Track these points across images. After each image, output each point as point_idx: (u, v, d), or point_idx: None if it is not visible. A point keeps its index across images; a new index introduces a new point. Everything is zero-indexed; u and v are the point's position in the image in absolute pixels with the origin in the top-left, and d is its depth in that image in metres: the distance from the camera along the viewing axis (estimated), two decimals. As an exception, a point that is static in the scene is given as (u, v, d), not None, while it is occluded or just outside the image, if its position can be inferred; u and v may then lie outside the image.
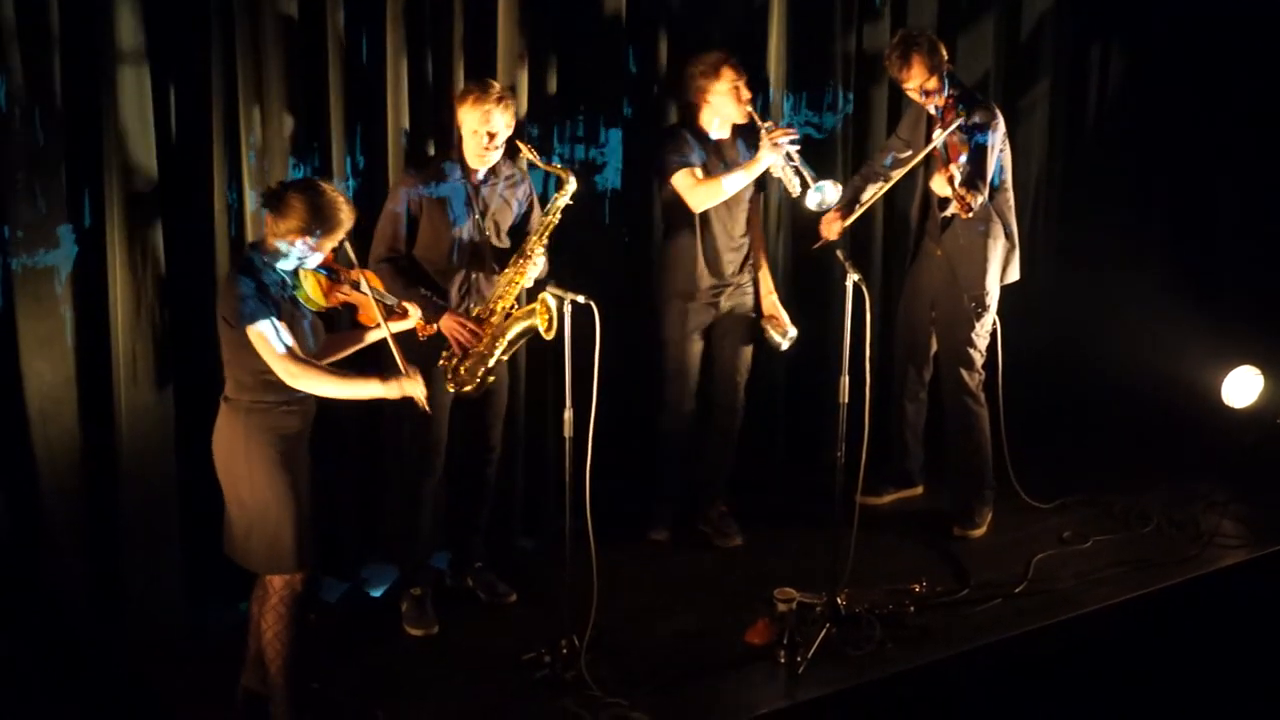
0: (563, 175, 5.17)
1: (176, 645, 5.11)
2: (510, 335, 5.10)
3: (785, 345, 5.75)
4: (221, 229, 5.01)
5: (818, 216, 5.75)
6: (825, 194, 5.48)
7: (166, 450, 5.06)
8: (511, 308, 5.13)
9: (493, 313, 5.12)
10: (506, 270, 5.13)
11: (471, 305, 5.15)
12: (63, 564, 4.98)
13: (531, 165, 5.22)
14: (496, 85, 5.04)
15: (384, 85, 5.22)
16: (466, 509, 5.47)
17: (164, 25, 4.83)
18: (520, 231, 5.24)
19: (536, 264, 5.12)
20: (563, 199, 5.14)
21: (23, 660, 4.90)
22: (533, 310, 5.00)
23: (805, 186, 5.47)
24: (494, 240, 5.18)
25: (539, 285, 5.05)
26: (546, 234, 5.13)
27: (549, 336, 4.97)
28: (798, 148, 5.44)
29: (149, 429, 5.00)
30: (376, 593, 5.51)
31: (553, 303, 4.88)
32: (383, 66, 5.21)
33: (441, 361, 5.09)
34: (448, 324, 5.03)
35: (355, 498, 5.51)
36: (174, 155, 4.93)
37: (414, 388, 4.52)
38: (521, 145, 5.15)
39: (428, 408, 4.60)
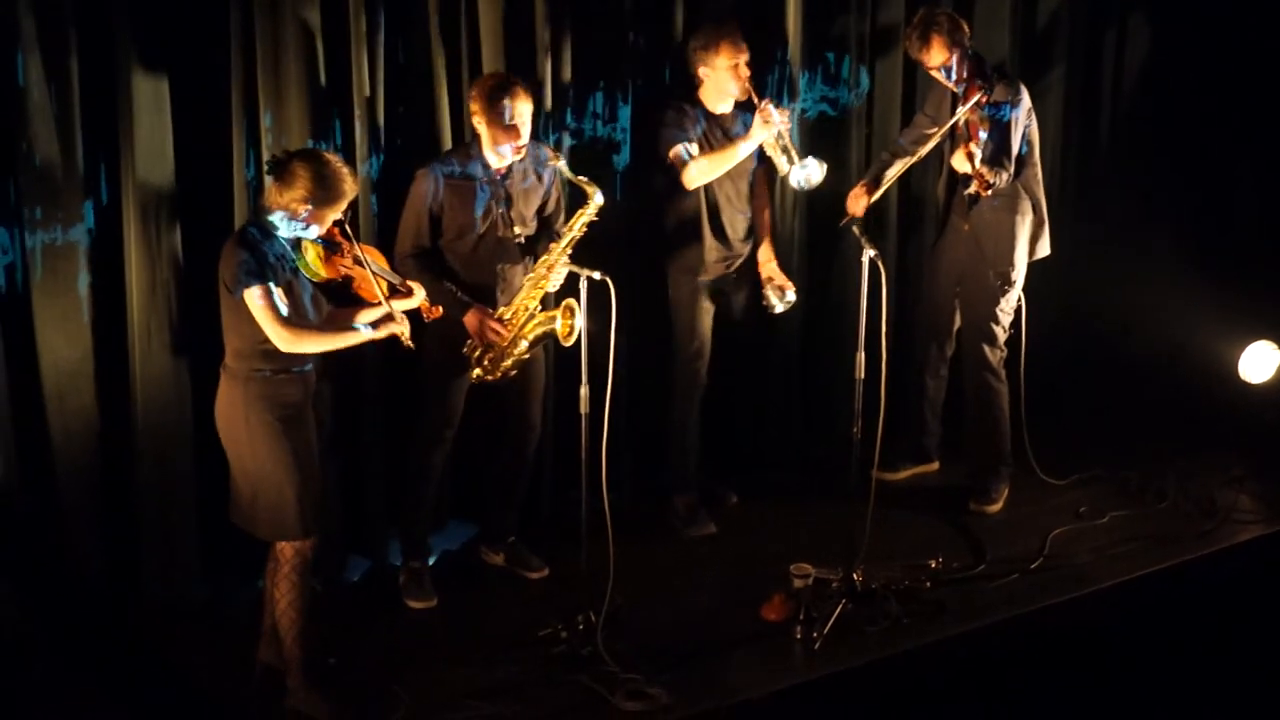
0: (589, 190, 5.06)
1: (193, 620, 5.13)
2: (531, 337, 5.11)
3: (781, 308, 5.73)
4: (240, 205, 4.99)
5: (835, 193, 5.73)
6: (810, 171, 5.46)
7: (183, 426, 5.07)
8: (535, 309, 5.13)
9: (516, 312, 5.12)
10: (532, 274, 5.12)
11: (500, 297, 5.15)
12: (80, 539, 4.99)
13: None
14: (514, 76, 5.01)
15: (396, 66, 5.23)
16: (505, 485, 5.49)
17: (182, 1, 4.82)
18: (546, 218, 5.23)
19: (560, 273, 5.10)
20: (587, 214, 5.07)
21: (41, 636, 4.91)
22: (554, 316, 5.00)
23: (791, 165, 5.45)
24: (519, 229, 5.15)
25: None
26: (570, 246, 5.10)
27: (568, 343, 4.98)
28: (788, 126, 5.43)
29: (165, 405, 5.01)
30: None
31: (579, 320, 4.86)
32: (408, 48, 5.22)
33: (465, 350, 5.12)
34: (472, 320, 5.03)
35: (379, 477, 5.50)
36: (191, 132, 4.92)
37: (397, 326, 4.55)
38: (550, 152, 5.10)
39: (410, 344, 4.62)
